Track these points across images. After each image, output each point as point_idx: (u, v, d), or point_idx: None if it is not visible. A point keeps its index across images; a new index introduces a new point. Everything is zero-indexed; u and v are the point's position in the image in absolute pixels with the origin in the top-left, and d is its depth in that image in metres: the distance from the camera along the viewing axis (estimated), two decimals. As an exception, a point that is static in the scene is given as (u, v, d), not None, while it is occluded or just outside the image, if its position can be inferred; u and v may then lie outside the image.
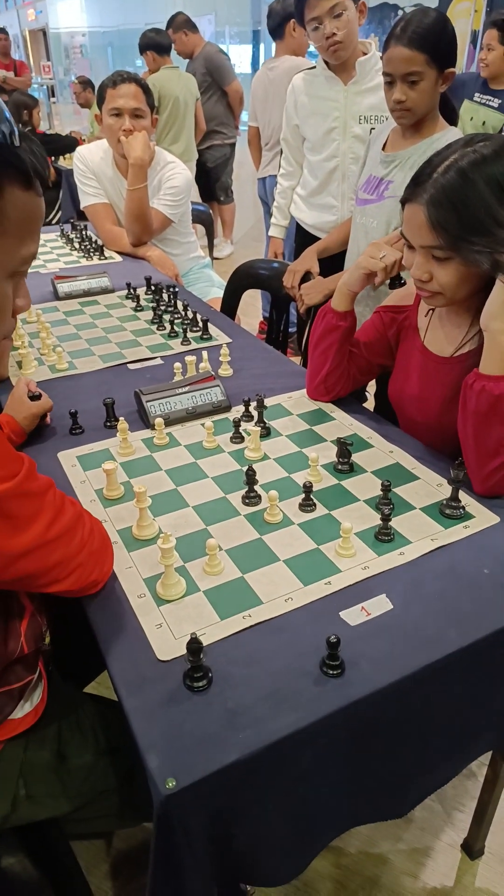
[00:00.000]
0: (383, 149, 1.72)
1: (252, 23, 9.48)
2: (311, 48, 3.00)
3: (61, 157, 4.48)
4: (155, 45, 4.17)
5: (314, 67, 2.12)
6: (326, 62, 2.03)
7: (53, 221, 4.55)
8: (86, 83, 6.71)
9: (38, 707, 0.91)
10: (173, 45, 4.38)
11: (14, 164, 0.66)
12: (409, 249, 1.11)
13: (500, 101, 3.01)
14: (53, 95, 13.57)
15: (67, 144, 4.97)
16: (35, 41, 17.53)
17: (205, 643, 0.79)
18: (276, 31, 3.09)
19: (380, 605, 0.86)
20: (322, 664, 0.77)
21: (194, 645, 0.73)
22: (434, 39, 1.49)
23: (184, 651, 0.77)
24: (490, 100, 3.11)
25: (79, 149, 2.43)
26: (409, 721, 0.83)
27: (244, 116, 4.38)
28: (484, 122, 3.11)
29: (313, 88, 2.10)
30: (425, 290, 1.10)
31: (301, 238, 2.34)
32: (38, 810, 0.90)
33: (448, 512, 1.02)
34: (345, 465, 1.14)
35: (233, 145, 4.80)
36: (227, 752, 0.69)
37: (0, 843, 1.06)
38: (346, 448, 1.13)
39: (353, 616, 0.84)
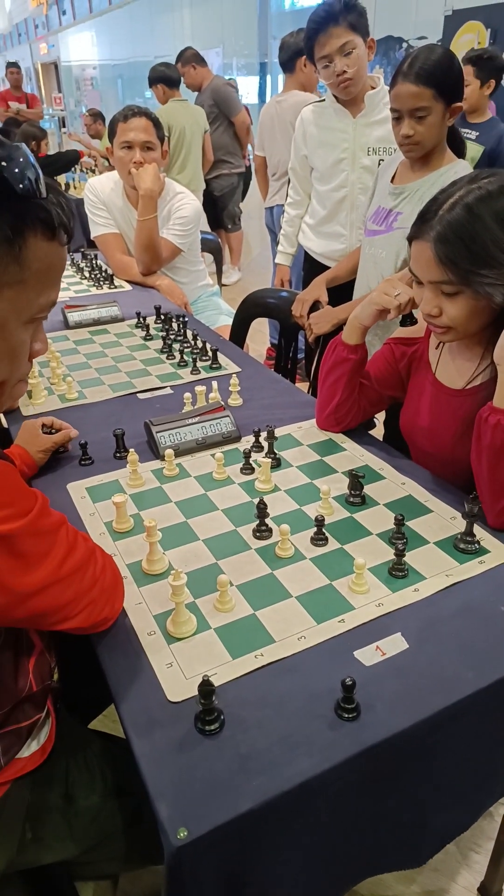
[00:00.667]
0: (392, 181, 1.74)
1: (259, 55, 9.69)
2: (322, 82, 3.08)
3: (72, 187, 4.56)
4: (165, 78, 4.27)
5: (323, 100, 2.15)
6: (336, 96, 2.07)
7: (64, 250, 4.61)
8: (96, 115, 6.87)
9: (46, 746, 0.89)
10: (182, 78, 4.48)
11: (39, 216, 0.66)
12: (417, 285, 1.11)
13: (477, 133, 3.13)
14: (64, 126, 13.88)
15: (71, 159, 5.05)
16: (47, 74, 18.00)
17: (216, 683, 0.77)
18: (287, 65, 3.15)
19: (395, 644, 0.84)
20: (337, 707, 0.75)
21: (206, 687, 0.71)
22: (441, 75, 1.52)
23: (195, 692, 0.75)
24: (468, 132, 3.25)
25: (90, 180, 2.47)
26: (427, 765, 0.80)
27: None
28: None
29: (323, 120, 2.13)
30: (436, 325, 1.10)
31: (309, 266, 2.36)
32: (44, 854, 0.88)
33: (463, 546, 1.00)
34: (357, 497, 1.13)
35: (240, 174, 4.88)
36: (239, 800, 0.67)
37: (5, 887, 1.04)
38: (357, 480, 1.12)
39: (368, 656, 0.82)
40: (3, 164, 0.62)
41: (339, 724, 0.74)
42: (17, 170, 0.63)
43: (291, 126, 3.14)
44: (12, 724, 0.83)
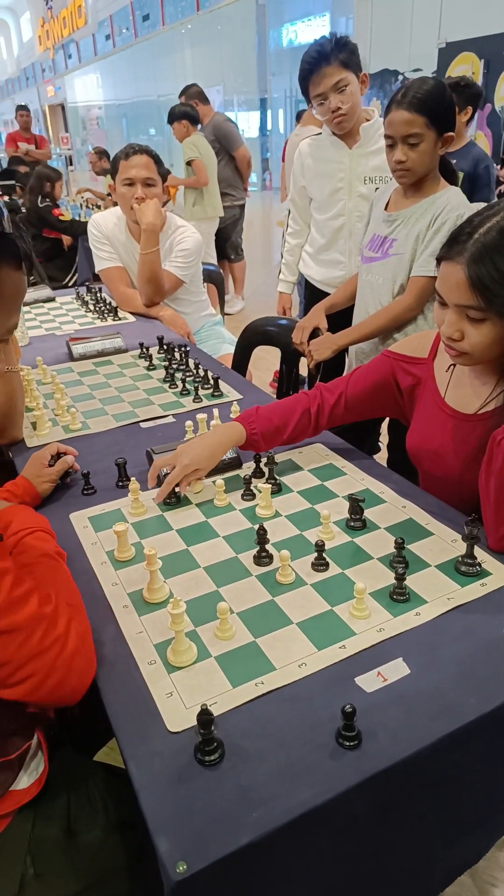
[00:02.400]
0: (386, 208, 1.77)
1: (259, 91, 9.97)
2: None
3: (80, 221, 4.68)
4: (190, 116, 4.47)
5: (320, 133, 2.20)
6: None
7: (70, 284, 4.71)
8: (101, 153, 7.06)
9: (41, 777, 0.88)
10: None
11: (10, 249, 0.76)
12: (440, 307, 1.09)
13: (455, 161, 3.20)
14: (71, 164, 14.27)
15: (84, 229, 5.25)
16: (54, 115, 18.56)
17: (216, 713, 0.77)
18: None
19: (396, 669, 0.83)
20: (338, 735, 0.74)
21: (205, 717, 0.71)
22: (432, 104, 1.56)
23: (195, 721, 0.74)
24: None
25: (93, 216, 2.53)
26: (431, 794, 0.79)
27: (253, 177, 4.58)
28: None
29: (319, 152, 2.18)
30: (454, 348, 1.09)
31: (310, 294, 2.40)
32: (45, 891, 0.86)
33: (464, 569, 1.00)
34: (357, 521, 1.12)
35: (241, 206, 4.99)
36: (239, 832, 0.66)
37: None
38: (357, 505, 1.12)
39: (369, 682, 0.82)
40: None
41: (341, 753, 0.73)
42: None
43: None
44: (1, 757, 0.82)
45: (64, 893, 0.87)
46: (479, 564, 1.00)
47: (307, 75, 1.98)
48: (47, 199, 4.62)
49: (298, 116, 4.88)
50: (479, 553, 1.02)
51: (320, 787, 0.70)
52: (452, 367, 1.21)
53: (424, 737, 0.75)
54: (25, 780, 0.86)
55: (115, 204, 2.41)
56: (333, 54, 1.92)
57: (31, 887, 0.85)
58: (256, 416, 1.30)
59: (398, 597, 0.95)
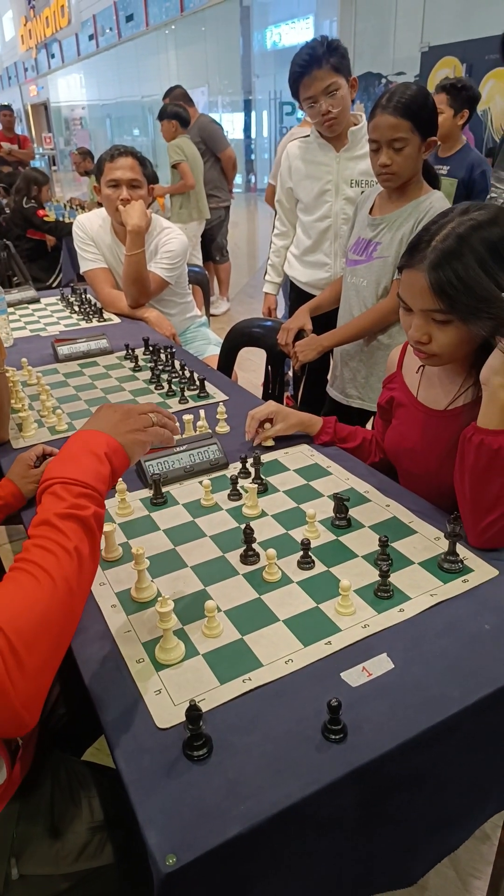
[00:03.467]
0: (370, 212, 1.80)
1: (243, 93, 9.98)
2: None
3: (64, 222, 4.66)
4: (181, 117, 4.46)
5: (308, 136, 2.22)
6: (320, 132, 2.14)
7: (54, 285, 4.69)
8: (85, 153, 7.03)
9: (7, 782, 0.86)
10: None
11: None
12: (406, 312, 1.13)
13: (448, 168, 3.20)
14: (54, 164, 14.18)
15: (70, 231, 5.23)
16: (37, 114, 18.43)
17: (204, 709, 0.78)
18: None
19: (381, 664, 0.85)
20: (324, 729, 0.76)
21: (193, 712, 0.72)
22: (416, 108, 1.59)
23: (183, 718, 0.76)
24: (440, 168, 3.33)
25: (78, 217, 2.53)
26: (416, 784, 0.81)
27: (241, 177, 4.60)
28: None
29: (308, 154, 2.20)
30: (423, 351, 1.13)
31: (295, 295, 2.41)
32: (30, 891, 0.86)
33: (446, 566, 1.02)
34: (342, 520, 1.14)
35: (226, 208, 5.00)
36: (228, 824, 0.67)
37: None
38: (342, 504, 1.14)
39: (355, 677, 0.83)
40: None
41: (327, 747, 0.75)
42: None
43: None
44: None
45: (50, 893, 0.87)
46: (462, 561, 1.02)
47: (298, 78, 1.99)
48: (32, 201, 4.60)
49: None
50: (462, 550, 1.04)
51: (307, 780, 0.71)
52: (422, 367, 1.25)
53: (408, 729, 0.77)
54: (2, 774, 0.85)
55: (100, 205, 2.41)
56: (325, 58, 1.93)
57: (16, 888, 0.84)
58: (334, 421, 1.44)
59: (382, 594, 0.97)
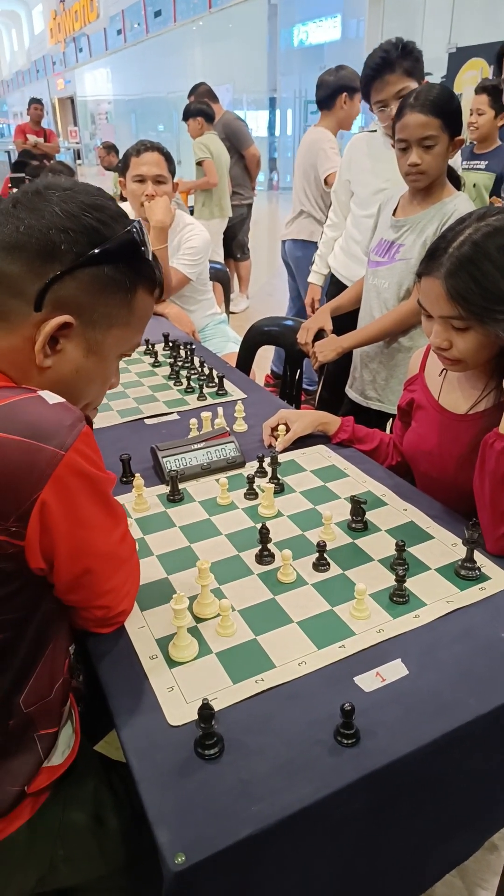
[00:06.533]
0: (394, 214, 1.78)
1: (268, 90, 9.96)
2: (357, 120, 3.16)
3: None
4: (206, 113, 4.49)
5: (374, 130, 2.20)
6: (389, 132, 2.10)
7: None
8: (109, 147, 7.05)
9: (73, 750, 0.89)
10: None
11: (148, 274, 0.84)
12: (427, 318, 1.14)
13: (486, 163, 3.29)
14: (79, 158, 14.26)
15: None
16: (63, 108, 18.54)
17: (217, 708, 0.78)
18: (326, 102, 3.06)
19: (395, 670, 0.84)
20: (336, 733, 0.75)
21: (206, 711, 0.72)
22: (445, 107, 1.57)
23: (195, 716, 0.76)
24: (477, 164, 3.38)
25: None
26: (427, 792, 0.80)
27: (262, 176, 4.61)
28: (475, 184, 3.37)
29: (372, 149, 2.18)
30: (445, 357, 1.13)
31: (335, 289, 2.40)
32: (74, 873, 0.88)
33: (463, 573, 1.01)
34: (359, 523, 1.14)
35: (249, 205, 4.99)
36: (239, 825, 0.67)
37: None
38: (359, 506, 1.13)
39: (368, 682, 0.83)
40: (134, 231, 0.79)
41: (339, 751, 0.74)
42: (139, 237, 0.80)
43: (302, 162, 3.20)
44: (53, 719, 0.83)
45: (90, 876, 0.88)
46: (479, 569, 1.01)
47: (370, 81, 1.96)
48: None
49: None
50: (479, 557, 1.03)
51: (319, 783, 0.71)
52: (445, 370, 1.24)
53: (422, 736, 0.76)
54: (58, 756, 0.86)
55: (123, 199, 2.41)
56: (398, 62, 1.90)
57: (61, 869, 0.86)
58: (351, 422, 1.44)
59: (398, 599, 0.96)
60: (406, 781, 0.77)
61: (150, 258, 0.83)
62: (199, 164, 4.44)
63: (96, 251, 0.76)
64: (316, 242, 3.27)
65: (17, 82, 22.41)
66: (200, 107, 4.50)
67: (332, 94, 3.03)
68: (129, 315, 0.82)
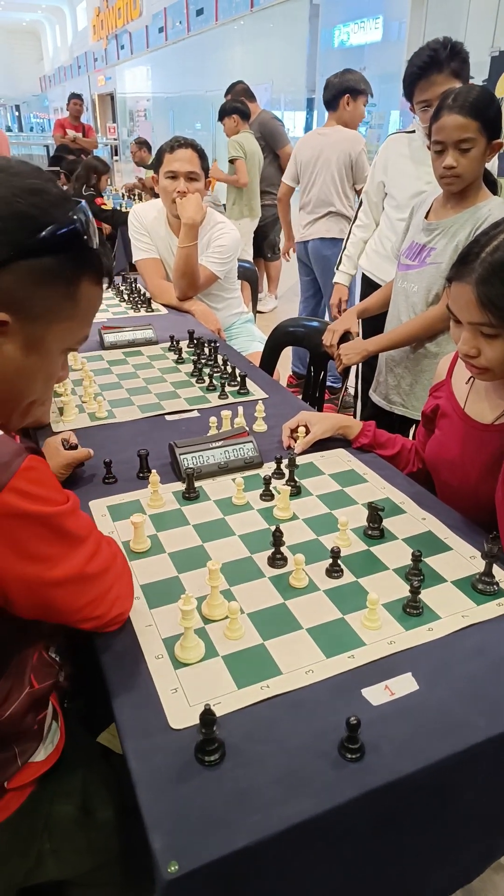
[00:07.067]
0: (426, 217, 1.75)
1: (307, 91, 9.90)
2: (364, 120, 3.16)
3: (121, 210, 4.71)
4: (241, 111, 4.50)
5: (413, 131, 2.17)
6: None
7: (105, 272, 4.75)
8: (142, 143, 7.10)
9: (58, 747, 0.88)
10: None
11: (94, 263, 0.77)
12: (455, 325, 1.11)
13: None
14: (116, 154, 14.38)
15: (125, 219, 5.33)
16: (103, 104, 18.71)
17: (220, 713, 0.77)
18: (331, 103, 3.22)
19: (405, 684, 0.82)
20: (341, 746, 0.73)
21: (208, 717, 0.70)
22: (484, 109, 1.53)
23: (197, 720, 0.74)
24: None
25: (134, 207, 2.54)
26: (432, 812, 0.78)
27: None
28: None
29: (411, 150, 2.14)
30: (473, 365, 1.11)
31: (368, 289, 2.37)
32: (61, 866, 0.87)
33: (481, 587, 0.98)
34: (375, 530, 1.11)
35: (282, 205, 4.97)
36: (235, 836, 0.65)
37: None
38: (376, 513, 1.11)
39: (376, 695, 0.81)
40: (75, 217, 0.73)
41: (343, 765, 0.72)
42: (82, 224, 0.73)
43: (333, 162, 3.19)
44: (26, 727, 0.83)
45: (79, 869, 0.88)
46: (498, 583, 0.98)
47: (415, 80, 1.92)
48: (91, 189, 4.67)
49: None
50: (498, 572, 1.00)
51: (320, 798, 0.69)
52: (472, 378, 1.22)
53: (429, 754, 0.74)
54: (43, 752, 0.86)
55: (154, 194, 2.42)
56: (446, 62, 1.86)
57: (48, 862, 0.86)
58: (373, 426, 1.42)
59: (412, 610, 0.94)
60: (410, 800, 0.74)
61: (96, 246, 0.76)
62: (231, 162, 4.44)
63: (32, 241, 0.69)
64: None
65: (59, 78, 22.68)
66: (235, 105, 4.50)
67: (335, 95, 3.15)
68: (73, 308, 0.76)
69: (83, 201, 0.75)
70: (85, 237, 0.74)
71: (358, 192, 3.24)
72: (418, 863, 0.81)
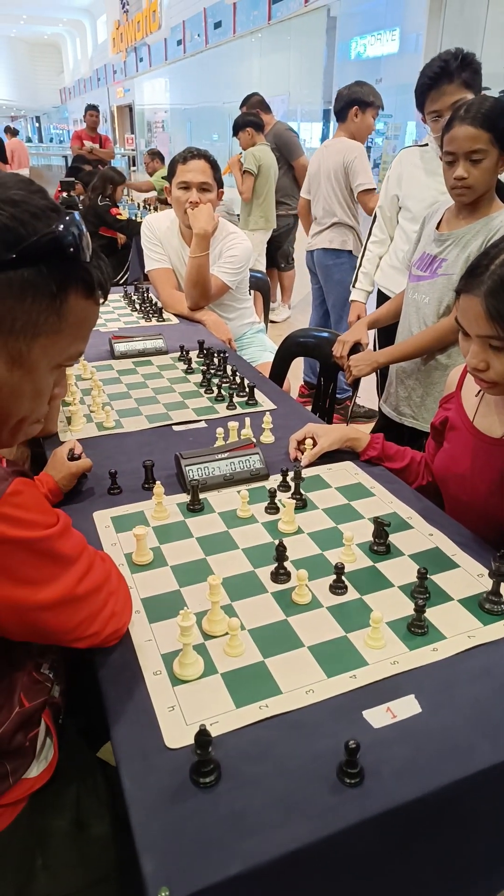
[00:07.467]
0: (437, 228, 1.74)
1: (323, 102, 9.96)
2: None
3: (136, 219, 4.75)
4: (255, 124, 4.52)
5: (426, 145, 2.16)
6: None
7: (120, 282, 4.78)
8: (154, 154, 7.19)
9: (52, 763, 0.87)
10: None
11: (83, 276, 0.74)
12: (464, 337, 1.10)
13: None
14: (133, 164, 14.53)
15: (138, 230, 5.38)
16: (121, 116, 18.94)
17: (217, 732, 0.75)
18: (341, 114, 3.24)
19: (407, 706, 0.80)
20: (339, 770, 0.71)
21: (203, 738, 0.69)
22: (496, 120, 1.52)
23: (193, 740, 0.73)
24: None
25: (147, 217, 2.55)
26: (434, 841, 0.75)
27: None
28: None
29: (426, 164, 2.13)
30: (482, 379, 1.09)
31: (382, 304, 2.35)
32: (54, 883, 0.85)
33: (488, 607, 0.96)
34: (381, 546, 1.09)
35: (296, 216, 4.98)
36: (229, 861, 0.64)
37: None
38: (382, 529, 1.09)
39: (377, 717, 0.78)
40: (60, 229, 0.69)
41: (341, 789, 0.70)
42: (69, 237, 0.70)
43: (332, 172, 3.22)
44: (16, 745, 0.82)
45: (72, 887, 0.86)
46: (506, 603, 0.96)
47: (426, 90, 1.93)
48: (107, 199, 4.71)
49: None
50: (507, 591, 0.97)
51: (318, 823, 0.67)
52: (481, 391, 1.20)
53: (432, 780, 0.71)
54: (36, 769, 0.85)
55: (168, 205, 2.42)
56: (457, 72, 1.86)
57: (40, 879, 0.84)
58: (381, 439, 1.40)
59: (416, 629, 0.91)
60: (411, 827, 0.72)
61: (86, 258, 0.73)
62: (243, 174, 4.46)
63: (9, 253, 0.66)
64: (348, 251, 3.26)
65: (79, 90, 23.02)
66: (248, 118, 4.51)
67: (344, 106, 3.17)
68: (59, 322, 0.73)
69: (76, 213, 0.73)
70: (71, 249, 0.70)
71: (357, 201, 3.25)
72: (421, 892, 0.78)
